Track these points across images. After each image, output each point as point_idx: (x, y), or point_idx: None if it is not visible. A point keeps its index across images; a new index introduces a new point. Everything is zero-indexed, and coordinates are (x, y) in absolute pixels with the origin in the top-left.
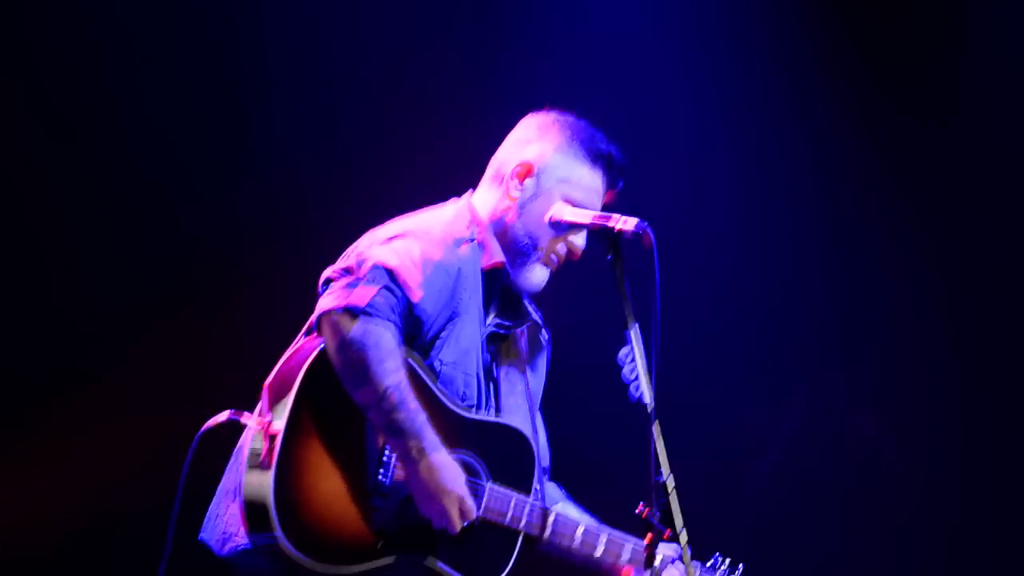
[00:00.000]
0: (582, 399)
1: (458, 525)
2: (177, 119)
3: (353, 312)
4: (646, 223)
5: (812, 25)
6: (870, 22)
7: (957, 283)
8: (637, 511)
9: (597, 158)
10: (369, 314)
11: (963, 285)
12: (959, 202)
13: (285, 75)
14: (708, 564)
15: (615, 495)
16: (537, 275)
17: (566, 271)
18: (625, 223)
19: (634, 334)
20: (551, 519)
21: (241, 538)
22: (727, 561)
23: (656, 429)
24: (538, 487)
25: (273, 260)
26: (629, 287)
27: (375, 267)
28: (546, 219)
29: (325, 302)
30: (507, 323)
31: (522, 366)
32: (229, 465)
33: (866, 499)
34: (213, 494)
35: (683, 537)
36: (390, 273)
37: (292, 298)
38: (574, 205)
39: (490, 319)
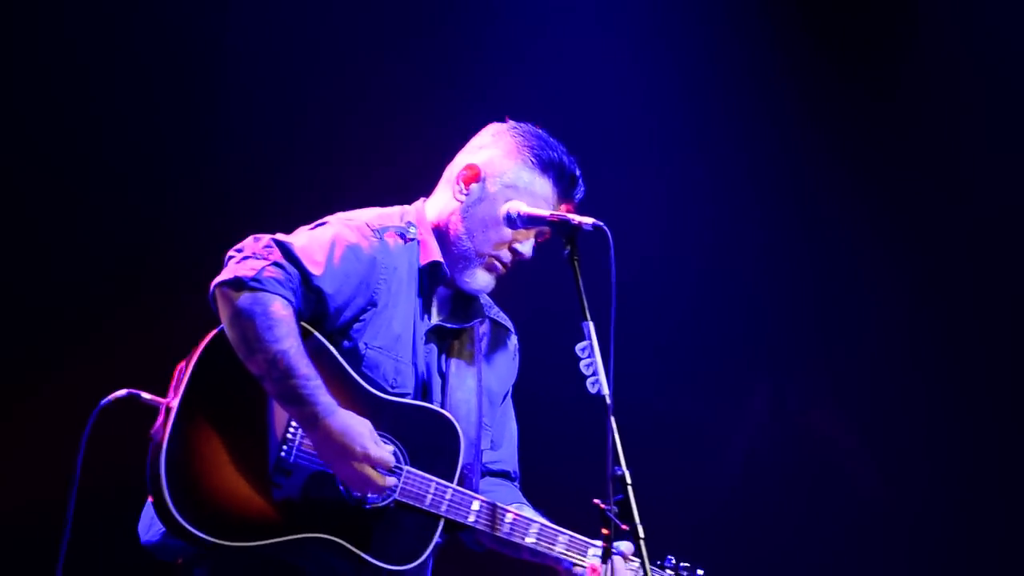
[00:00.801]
0: (542, 390)
1: (377, 480)
2: (141, 108)
3: (241, 282)
4: (603, 223)
5: (778, 23)
6: (835, 17)
7: (922, 279)
8: (594, 503)
9: (548, 167)
10: (257, 283)
11: (928, 282)
12: (925, 200)
13: (251, 69)
14: (658, 563)
15: (573, 488)
16: (479, 279)
17: (524, 269)
18: (583, 219)
19: (591, 328)
20: (476, 505)
21: (160, 523)
22: (681, 565)
23: (613, 422)
24: (471, 477)
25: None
26: (584, 283)
27: (270, 242)
28: (496, 220)
29: (217, 277)
30: (455, 320)
31: (476, 364)
32: None
33: (827, 497)
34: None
35: (640, 531)
36: (285, 249)
37: None
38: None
39: (435, 315)
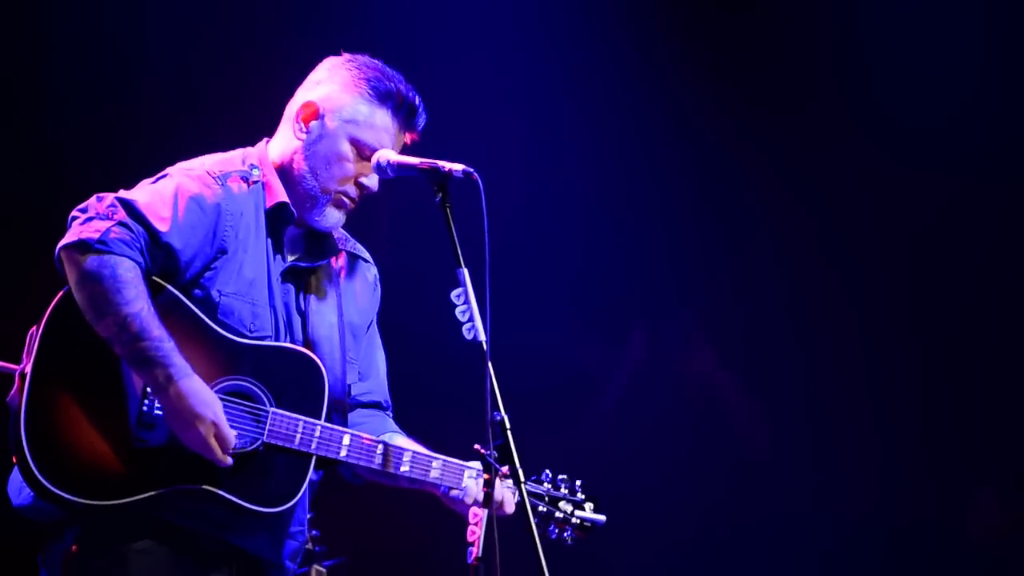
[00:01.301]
0: (418, 339)
1: (218, 452)
2: None
3: (86, 245)
4: (472, 168)
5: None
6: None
7: (801, 214)
8: (474, 448)
9: (385, 97)
10: (104, 245)
11: (808, 215)
12: (804, 133)
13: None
14: (534, 478)
15: (452, 435)
16: (329, 216)
17: (397, 220)
18: (453, 166)
19: (465, 274)
20: (347, 440)
21: (28, 486)
22: (559, 477)
23: (491, 368)
24: (338, 412)
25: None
26: (457, 229)
27: (113, 202)
28: (338, 156)
29: (63, 240)
30: (309, 258)
31: (335, 299)
32: None
33: (704, 437)
34: None
35: (520, 475)
36: (129, 207)
37: None
38: (361, 145)
39: (288, 255)
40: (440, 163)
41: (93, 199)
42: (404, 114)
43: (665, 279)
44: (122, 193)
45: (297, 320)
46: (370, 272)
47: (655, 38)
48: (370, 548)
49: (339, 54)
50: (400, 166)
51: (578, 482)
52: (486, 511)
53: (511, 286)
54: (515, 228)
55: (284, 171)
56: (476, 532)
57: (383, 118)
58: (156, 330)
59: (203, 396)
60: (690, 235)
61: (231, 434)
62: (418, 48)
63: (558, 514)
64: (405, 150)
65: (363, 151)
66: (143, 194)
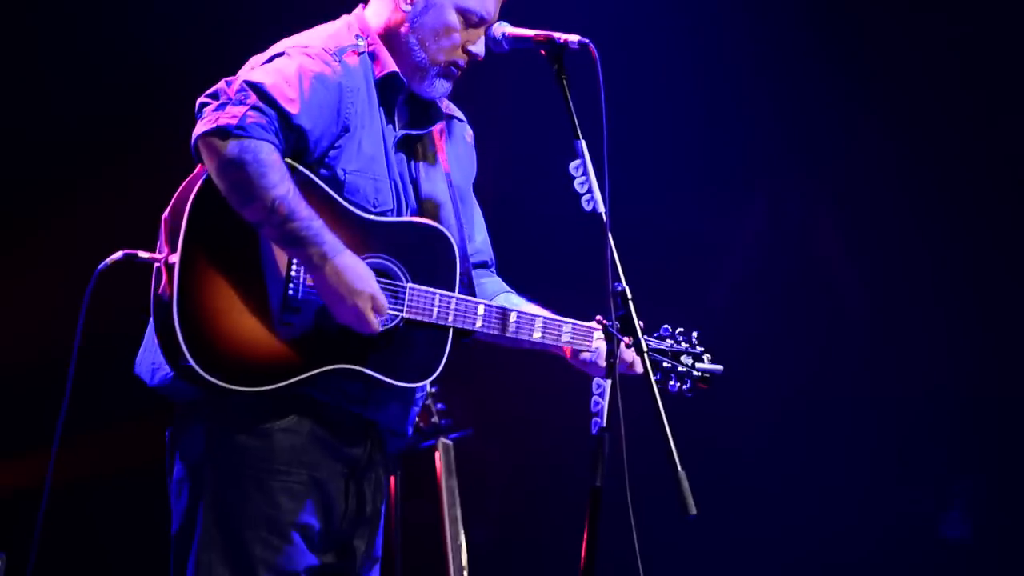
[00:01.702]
0: (537, 212)
1: (375, 323)
2: None
3: (225, 131)
4: (588, 39)
5: None
6: None
7: (925, 118)
8: (596, 320)
9: None
10: (243, 131)
11: (929, 120)
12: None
13: None
14: (656, 335)
15: (572, 307)
16: (439, 87)
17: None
18: (568, 37)
19: (583, 146)
20: (481, 310)
21: (166, 367)
22: (678, 332)
23: (611, 239)
24: (467, 280)
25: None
26: (574, 100)
27: (243, 86)
28: (446, 26)
29: (197, 128)
30: (418, 126)
31: (442, 163)
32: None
33: (818, 315)
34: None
35: (643, 344)
36: (259, 91)
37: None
38: (468, 13)
39: (398, 125)
40: (555, 34)
41: (222, 84)
42: None
43: (786, 148)
44: (250, 76)
45: (411, 189)
46: (467, 132)
47: None
48: (495, 420)
49: None
50: (515, 38)
51: (694, 334)
52: (609, 381)
53: (625, 156)
54: (631, 97)
55: (390, 41)
56: (600, 403)
57: None
58: (304, 210)
59: (359, 270)
60: (812, 105)
61: (385, 303)
62: None
63: (680, 368)
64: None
65: (470, 19)
66: (267, 75)
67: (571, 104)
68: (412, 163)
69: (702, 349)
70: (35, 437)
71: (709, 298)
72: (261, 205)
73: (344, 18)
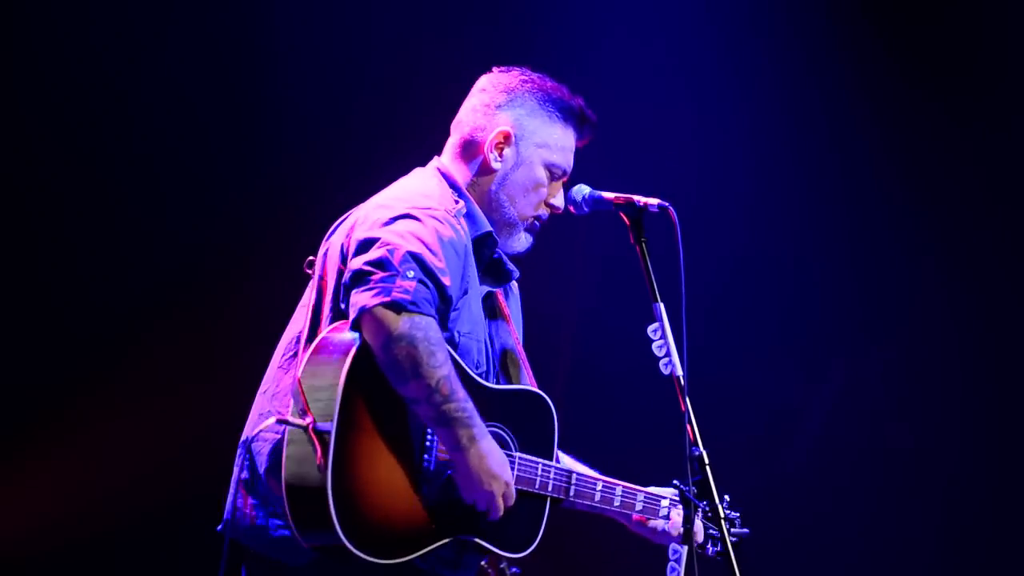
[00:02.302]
0: (613, 375)
1: (502, 511)
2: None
3: (400, 306)
4: (667, 202)
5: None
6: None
7: (986, 262)
8: (673, 484)
9: (570, 116)
10: (415, 307)
11: (994, 266)
12: (984, 182)
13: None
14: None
15: (644, 469)
16: (523, 241)
17: (590, 257)
18: (648, 200)
19: (662, 309)
20: (573, 479)
21: (282, 531)
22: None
23: (688, 402)
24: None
25: (265, 259)
26: (652, 263)
27: (408, 257)
28: (534, 182)
29: (363, 297)
30: (496, 283)
31: (507, 320)
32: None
33: (898, 483)
34: None
35: (720, 511)
36: (421, 263)
37: (282, 296)
38: (554, 168)
39: (483, 285)
40: (635, 197)
41: (383, 251)
42: (586, 129)
43: (864, 314)
44: (406, 246)
45: (492, 348)
46: (515, 285)
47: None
48: None
49: (502, 69)
50: (596, 201)
51: (726, 497)
52: (686, 547)
53: (701, 319)
54: (707, 260)
55: (480, 197)
56: (677, 569)
57: (569, 138)
58: (461, 391)
59: (500, 457)
60: (881, 271)
61: (514, 493)
62: (575, 55)
63: (713, 531)
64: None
65: (555, 173)
66: (416, 244)
67: (650, 267)
68: (488, 321)
69: (736, 514)
70: None
71: (784, 463)
72: (425, 384)
73: (429, 172)
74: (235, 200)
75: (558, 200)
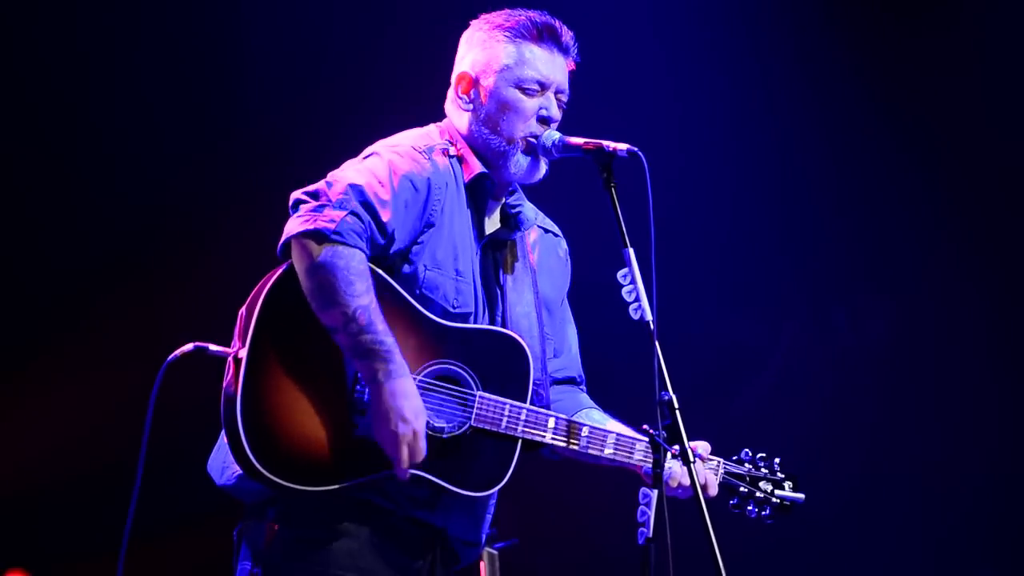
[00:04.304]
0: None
1: (405, 461)
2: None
3: (322, 235)
4: (637, 148)
5: None
6: None
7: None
8: (642, 429)
9: (522, 33)
10: (339, 236)
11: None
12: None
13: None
14: (735, 459)
15: (620, 414)
16: (521, 163)
17: (563, 199)
18: (617, 145)
19: (631, 254)
20: (584, 432)
21: (235, 466)
22: (759, 456)
23: (658, 348)
24: (542, 392)
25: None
26: (622, 209)
27: (347, 189)
28: (507, 104)
29: (292, 225)
30: (506, 230)
31: (531, 274)
32: None
33: (860, 419)
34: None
35: (690, 454)
36: (359, 193)
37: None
38: (524, 83)
39: (486, 228)
40: (605, 143)
41: (323, 184)
42: (547, 37)
43: (829, 257)
44: (349, 178)
45: (496, 294)
46: (561, 247)
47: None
48: (541, 530)
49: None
50: (565, 146)
51: (777, 460)
52: (656, 491)
53: (675, 265)
54: (677, 206)
55: (472, 143)
56: (647, 512)
57: (531, 51)
58: (380, 324)
59: (414, 402)
60: (852, 215)
61: (422, 449)
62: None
63: (758, 494)
64: (570, 76)
65: (529, 88)
66: (362, 177)
67: (619, 212)
68: (500, 270)
69: (783, 476)
70: (105, 538)
71: (743, 402)
72: (341, 312)
73: (434, 124)
74: (195, 173)
75: (551, 111)
